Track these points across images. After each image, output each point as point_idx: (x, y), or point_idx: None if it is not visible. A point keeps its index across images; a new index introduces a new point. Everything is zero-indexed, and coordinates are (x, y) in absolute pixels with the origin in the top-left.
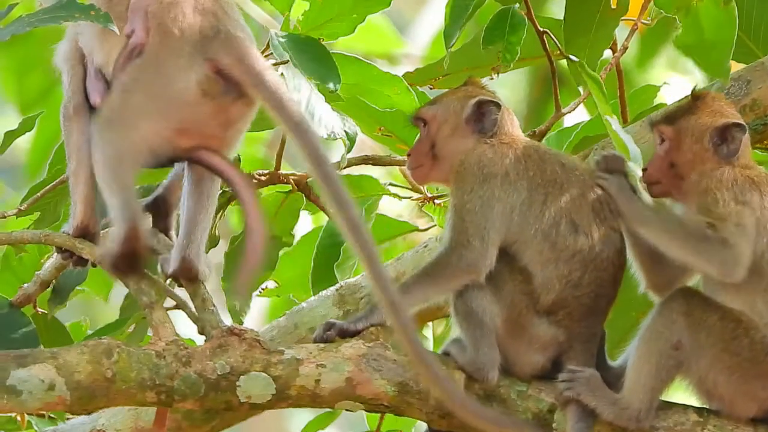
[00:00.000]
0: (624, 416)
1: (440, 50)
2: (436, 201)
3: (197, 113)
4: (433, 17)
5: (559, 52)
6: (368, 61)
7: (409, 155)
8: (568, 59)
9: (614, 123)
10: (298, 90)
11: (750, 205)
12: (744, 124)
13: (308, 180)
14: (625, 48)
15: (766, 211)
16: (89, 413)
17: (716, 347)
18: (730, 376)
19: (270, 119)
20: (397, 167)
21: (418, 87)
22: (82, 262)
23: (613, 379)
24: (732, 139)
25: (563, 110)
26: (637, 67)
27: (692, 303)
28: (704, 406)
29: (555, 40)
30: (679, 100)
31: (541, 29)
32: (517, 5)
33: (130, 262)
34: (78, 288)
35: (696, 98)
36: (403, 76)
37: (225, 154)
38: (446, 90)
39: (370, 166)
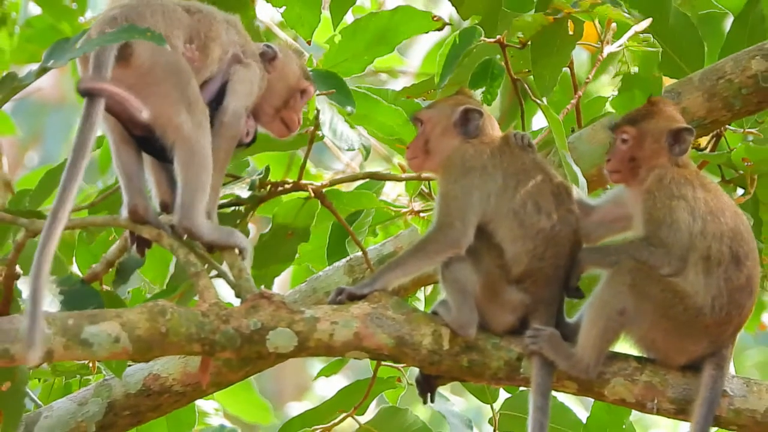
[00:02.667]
0: (576, 368)
1: (432, 66)
2: (422, 214)
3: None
4: (426, 38)
5: (527, 71)
6: (375, 97)
7: (408, 148)
8: (537, 103)
9: (568, 157)
10: (323, 112)
11: (684, 198)
12: (692, 128)
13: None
14: (587, 82)
15: (698, 200)
16: (147, 361)
17: (656, 313)
18: (666, 336)
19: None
20: (393, 179)
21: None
22: (141, 246)
23: (569, 333)
24: (683, 141)
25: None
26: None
27: (636, 276)
28: (643, 355)
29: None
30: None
31: (515, 77)
32: (498, 56)
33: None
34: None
35: (652, 104)
36: (401, 90)
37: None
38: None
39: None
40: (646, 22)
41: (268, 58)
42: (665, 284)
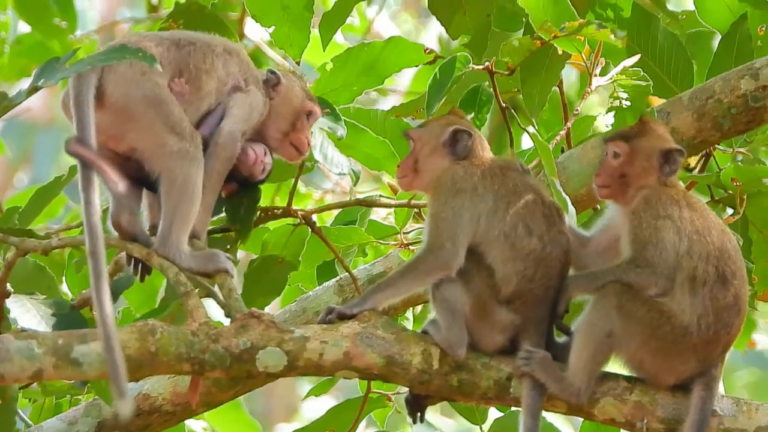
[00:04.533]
0: (566, 392)
1: (421, 85)
2: (411, 247)
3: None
4: None
5: (517, 90)
6: (362, 127)
7: (398, 167)
8: (526, 131)
9: (557, 184)
10: (314, 136)
11: (670, 218)
12: (683, 150)
13: (313, 214)
14: (576, 114)
15: (684, 220)
16: (137, 381)
17: (643, 334)
18: (654, 356)
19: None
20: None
21: (403, 117)
22: (136, 268)
23: (558, 353)
24: (673, 161)
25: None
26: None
27: (622, 298)
28: (632, 375)
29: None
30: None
31: (504, 105)
32: (486, 83)
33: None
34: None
35: (644, 122)
36: (390, 109)
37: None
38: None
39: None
40: (635, 58)
41: (271, 84)
42: (651, 304)
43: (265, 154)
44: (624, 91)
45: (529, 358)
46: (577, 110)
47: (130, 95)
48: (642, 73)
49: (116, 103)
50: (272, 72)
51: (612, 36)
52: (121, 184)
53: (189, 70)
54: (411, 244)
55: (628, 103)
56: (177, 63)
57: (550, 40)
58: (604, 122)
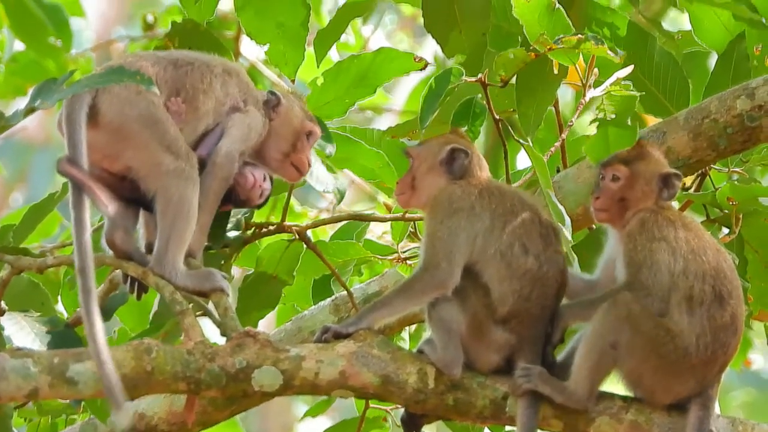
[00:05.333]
0: (572, 400)
1: (416, 104)
2: (408, 261)
3: None
4: (411, 76)
5: (512, 110)
6: (356, 140)
7: (397, 184)
8: (520, 143)
9: (552, 196)
10: None
11: (665, 239)
12: (681, 174)
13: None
14: (570, 125)
15: (679, 240)
16: (132, 400)
17: (646, 349)
18: (654, 373)
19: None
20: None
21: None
22: (132, 286)
23: (554, 370)
24: (672, 186)
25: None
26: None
27: (632, 311)
28: (629, 394)
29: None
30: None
31: (498, 117)
32: (480, 95)
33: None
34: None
35: (641, 146)
36: (386, 129)
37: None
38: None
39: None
40: (629, 69)
41: (271, 105)
42: (658, 321)
43: (265, 179)
44: (611, 104)
45: (529, 375)
46: (571, 122)
47: (125, 114)
48: (631, 86)
49: (111, 122)
50: (272, 93)
51: (610, 53)
52: (111, 206)
53: (186, 89)
54: (408, 259)
55: (613, 116)
56: (174, 83)
57: (545, 52)
58: (588, 132)
